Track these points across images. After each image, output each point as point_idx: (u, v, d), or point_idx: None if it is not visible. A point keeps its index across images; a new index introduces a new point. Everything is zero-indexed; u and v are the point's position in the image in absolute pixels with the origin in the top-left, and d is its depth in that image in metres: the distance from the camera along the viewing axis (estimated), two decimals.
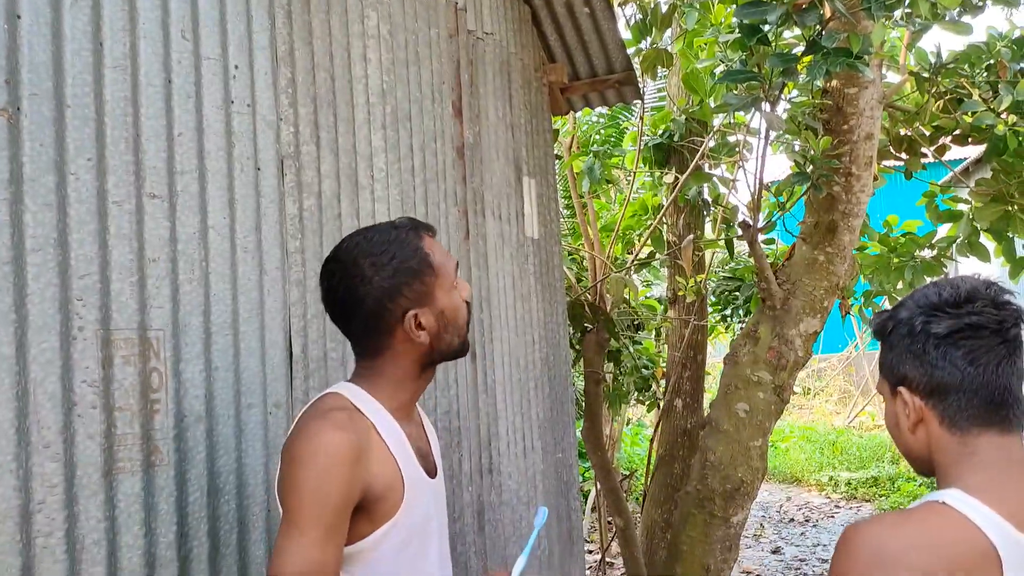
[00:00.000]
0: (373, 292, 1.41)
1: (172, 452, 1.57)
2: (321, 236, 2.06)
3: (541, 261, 3.51)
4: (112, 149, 1.50)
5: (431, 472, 1.52)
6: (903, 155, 4.00)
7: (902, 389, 1.19)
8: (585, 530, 6.90)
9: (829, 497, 8.24)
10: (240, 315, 1.77)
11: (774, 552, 6.36)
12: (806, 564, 5.99)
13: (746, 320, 5.72)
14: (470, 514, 2.65)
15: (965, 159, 7.48)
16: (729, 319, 6.10)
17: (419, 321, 1.43)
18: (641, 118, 4.68)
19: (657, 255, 4.80)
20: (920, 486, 7.49)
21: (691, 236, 4.46)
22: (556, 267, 3.69)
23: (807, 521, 7.36)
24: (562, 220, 6.74)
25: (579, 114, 5.16)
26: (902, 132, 3.96)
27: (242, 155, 1.81)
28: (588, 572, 5.43)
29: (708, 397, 7.23)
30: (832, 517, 7.47)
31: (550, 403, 3.45)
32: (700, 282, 4.67)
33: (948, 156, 4.57)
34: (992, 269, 8.41)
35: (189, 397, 1.62)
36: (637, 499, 6.73)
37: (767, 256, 3.91)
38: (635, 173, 4.89)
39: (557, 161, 4.76)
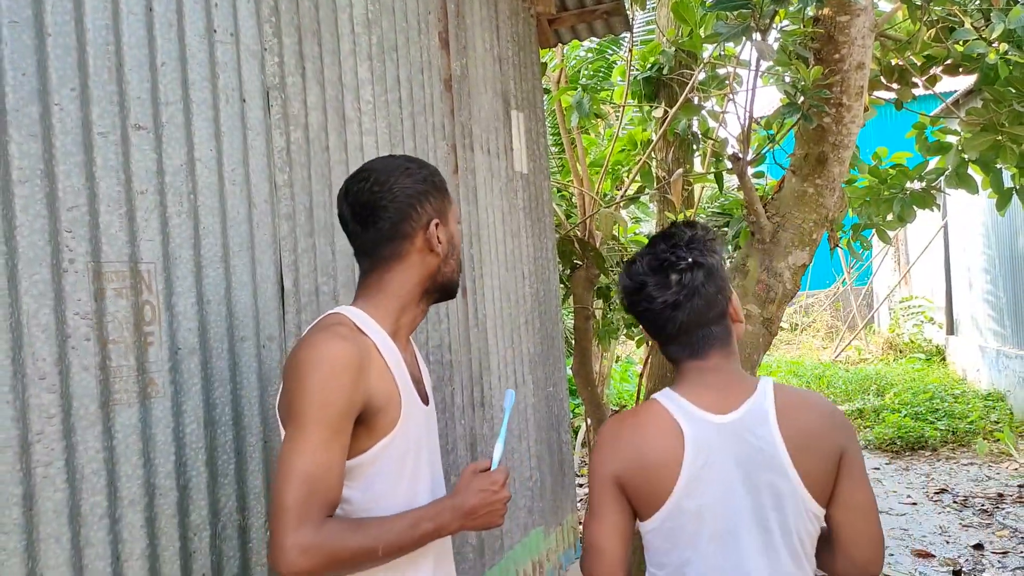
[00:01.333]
0: (405, 192, 1.47)
1: (167, 384, 1.58)
2: (309, 169, 2.04)
3: (530, 196, 3.49)
4: (95, 79, 1.47)
5: (424, 399, 1.55)
6: (894, 85, 3.96)
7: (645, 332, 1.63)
8: (576, 464, 7.03)
9: None
10: (231, 248, 1.77)
11: None
12: None
13: (735, 255, 5.74)
14: (463, 446, 2.69)
15: (955, 91, 7.43)
16: None
17: (438, 235, 1.50)
18: (630, 50, 4.61)
19: (647, 190, 4.79)
20: (904, 417, 7.64)
21: (680, 170, 4.44)
22: (545, 202, 3.68)
23: None
24: (550, 156, 6.69)
25: (567, 48, 5.08)
26: (893, 62, 3.91)
27: (227, 86, 1.78)
28: (579, 504, 5.55)
29: None
30: None
31: (540, 338, 3.48)
32: (689, 218, 4.67)
33: (938, 88, 4.54)
34: (979, 201, 8.40)
35: (182, 330, 1.63)
36: None
37: (756, 190, 3.90)
38: (624, 108, 4.84)
39: (545, 96, 4.69)
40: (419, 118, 2.59)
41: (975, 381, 9.26)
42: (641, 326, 1.59)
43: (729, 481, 1.44)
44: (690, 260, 1.47)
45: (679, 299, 1.47)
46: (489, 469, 1.48)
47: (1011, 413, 7.81)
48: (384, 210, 1.48)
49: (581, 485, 6.31)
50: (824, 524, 1.49)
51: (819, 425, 1.47)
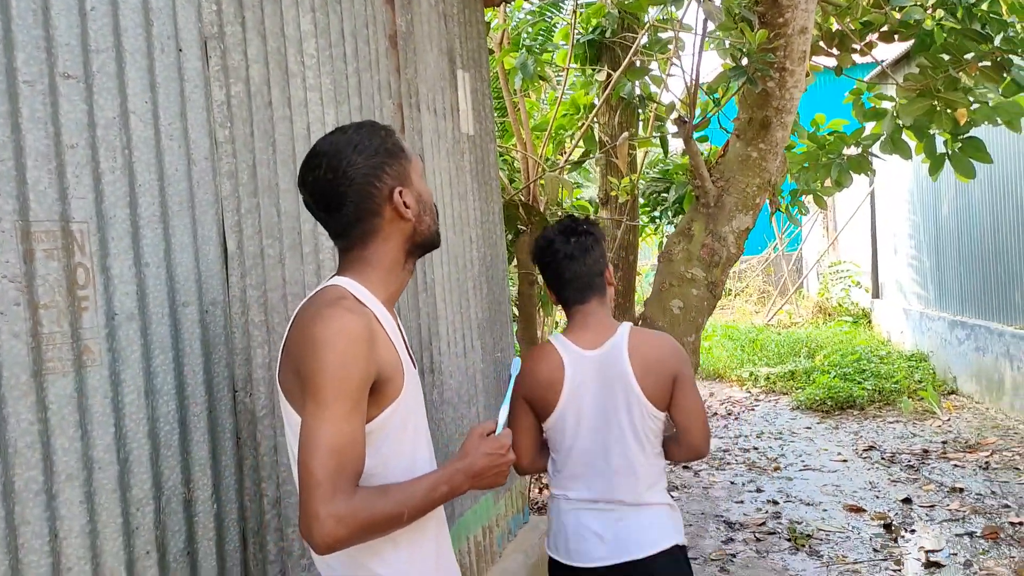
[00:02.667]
0: (360, 173, 1.44)
1: (104, 351, 1.49)
2: (251, 125, 1.94)
3: (477, 159, 3.43)
4: (19, 23, 1.35)
5: (412, 361, 1.56)
6: (834, 50, 4.01)
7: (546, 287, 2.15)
8: None
9: (750, 391, 8.62)
10: (169, 208, 1.66)
11: None
12: (729, 454, 6.29)
13: (675, 222, 5.78)
14: None
15: (887, 60, 7.60)
16: (658, 220, 6.16)
17: (404, 200, 1.47)
18: (574, 12, 4.54)
19: (591, 154, 4.76)
20: (834, 378, 7.89)
21: (626, 134, 4.42)
22: (491, 165, 3.62)
23: (729, 414, 7.70)
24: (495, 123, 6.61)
25: (510, 7, 4.98)
26: (833, 27, 3.95)
27: (162, 34, 1.67)
28: None
29: (638, 299, 7.35)
30: (752, 410, 7.83)
31: (488, 303, 3.43)
32: (633, 182, 4.67)
33: (874, 55, 4.61)
34: (905, 168, 8.63)
35: (119, 294, 1.53)
36: None
37: (701, 155, 3.92)
38: (567, 71, 4.78)
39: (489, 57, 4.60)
40: (364, 75, 2.49)
41: (899, 343, 9.62)
42: (544, 279, 2.18)
43: (595, 394, 2.07)
44: (584, 228, 2.14)
45: (574, 253, 2.11)
46: (494, 432, 1.51)
47: (933, 373, 8.15)
48: (344, 196, 1.46)
49: None
50: (671, 424, 2.12)
51: (658, 356, 2.07)
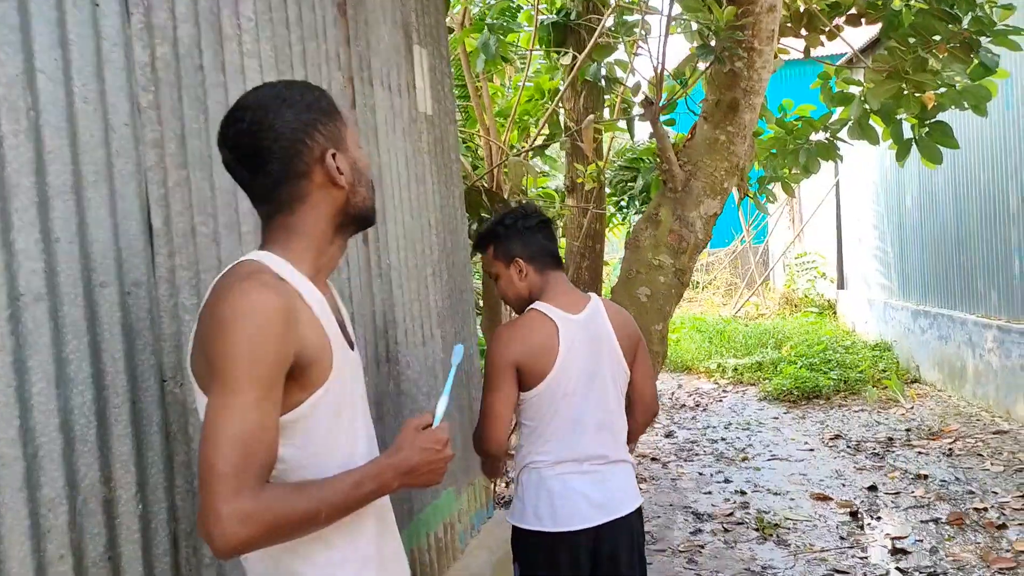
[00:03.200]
0: (289, 127, 1.31)
1: (7, 336, 1.32)
2: (179, 90, 1.77)
3: (435, 139, 3.28)
4: None
5: (350, 344, 1.42)
6: (802, 31, 3.92)
7: (517, 259, 2.24)
8: None
9: (717, 383, 8.59)
10: (84, 177, 1.50)
11: (667, 436, 6.58)
12: (697, 445, 6.22)
13: (643, 210, 5.69)
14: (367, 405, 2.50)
15: (854, 45, 7.57)
16: (625, 209, 6.07)
17: (338, 164, 1.34)
18: None
19: (556, 138, 4.64)
20: (800, 368, 7.88)
21: (591, 116, 4.31)
22: (451, 147, 3.47)
23: (697, 406, 7.65)
24: (456, 104, 6.45)
25: None
26: (801, 8, 3.87)
27: None
28: None
29: (606, 287, 7.26)
30: (720, 401, 7.79)
31: (448, 291, 3.29)
32: (600, 169, 4.55)
33: (841, 40, 4.54)
34: (870, 159, 8.63)
35: (24, 272, 1.36)
36: None
37: (668, 138, 3.81)
38: (530, 54, 4.65)
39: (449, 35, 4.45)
40: (310, 43, 2.33)
41: (864, 333, 9.66)
42: (517, 248, 2.25)
43: (586, 354, 2.18)
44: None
45: (544, 220, 2.30)
46: (431, 425, 1.38)
47: (897, 362, 8.18)
48: (269, 152, 1.31)
49: None
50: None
51: (626, 320, 2.31)
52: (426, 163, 3.15)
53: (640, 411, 2.35)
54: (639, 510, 2.25)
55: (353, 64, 2.60)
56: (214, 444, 1.14)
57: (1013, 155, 5.99)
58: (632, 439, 2.35)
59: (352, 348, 1.42)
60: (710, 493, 5.04)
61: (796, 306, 11.93)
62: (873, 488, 4.82)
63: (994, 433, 5.69)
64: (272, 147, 1.30)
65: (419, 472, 1.31)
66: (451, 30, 4.56)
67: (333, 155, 1.34)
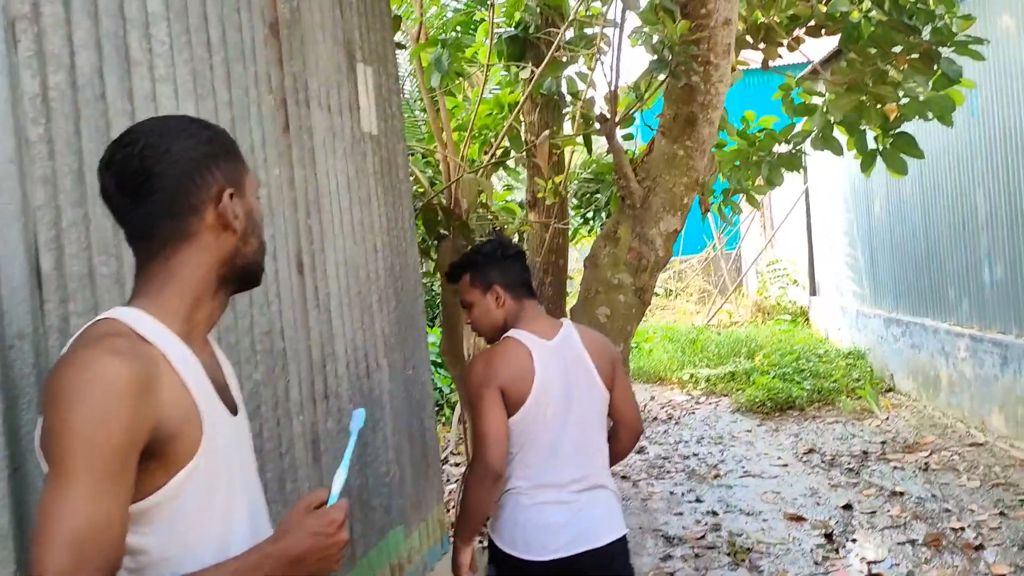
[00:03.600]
0: (187, 156, 1.19)
1: None
2: (77, 122, 1.64)
3: (382, 160, 3.15)
4: None
5: (232, 408, 1.27)
6: (760, 44, 3.84)
7: (495, 286, 2.27)
8: (453, 443, 6.78)
9: (690, 394, 8.50)
10: None
11: (638, 452, 6.46)
12: (669, 461, 6.12)
13: (606, 223, 5.58)
14: (302, 446, 2.36)
15: (809, 63, 7.54)
16: (591, 221, 5.97)
17: (234, 207, 1.22)
18: (492, 5, 4.30)
19: (513, 154, 4.52)
20: (773, 378, 7.81)
21: (547, 132, 4.19)
22: (400, 167, 3.34)
23: (670, 419, 7.55)
24: (414, 122, 6.32)
25: (432, 8, 4.71)
26: (759, 20, 3.79)
27: None
28: (456, 485, 5.31)
29: (571, 303, 7.15)
30: (693, 413, 7.69)
31: (397, 317, 3.16)
32: (560, 183, 4.44)
33: (801, 52, 4.47)
34: (839, 165, 8.58)
35: None
36: None
37: (626, 153, 3.71)
38: (488, 67, 4.54)
39: (402, 51, 4.33)
40: (236, 65, 2.20)
41: (837, 340, 9.62)
42: (500, 276, 2.28)
43: (561, 378, 2.20)
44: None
45: (520, 251, 2.38)
46: (326, 504, 1.19)
47: (871, 370, 8.13)
48: (160, 177, 1.17)
49: (458, 464, 6.08)
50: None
51: (603, 342, 2.35)
52: (371, 185, 3.02)
53: (624, 432, 2.37)
54: (623, 539, 2.24)
55: (286, 85, 2.46)
56: (44, 543, 0.98)
57: (980, 162, 5.97)
58: (616, 460, 2.38)
59: (235, 413, 1.27)
60: (681, 514, 4.93)
61: (768, 313, 11.89)
62: (848, 507, 4.73)
63: (969, 445, 5.64)
64: (165, 172, 1.17)
65: (308, 560, 1.13)
66: (403, 46, 4.44)
67: (231, 195, 1.22)
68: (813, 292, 10.98)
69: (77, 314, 1.59)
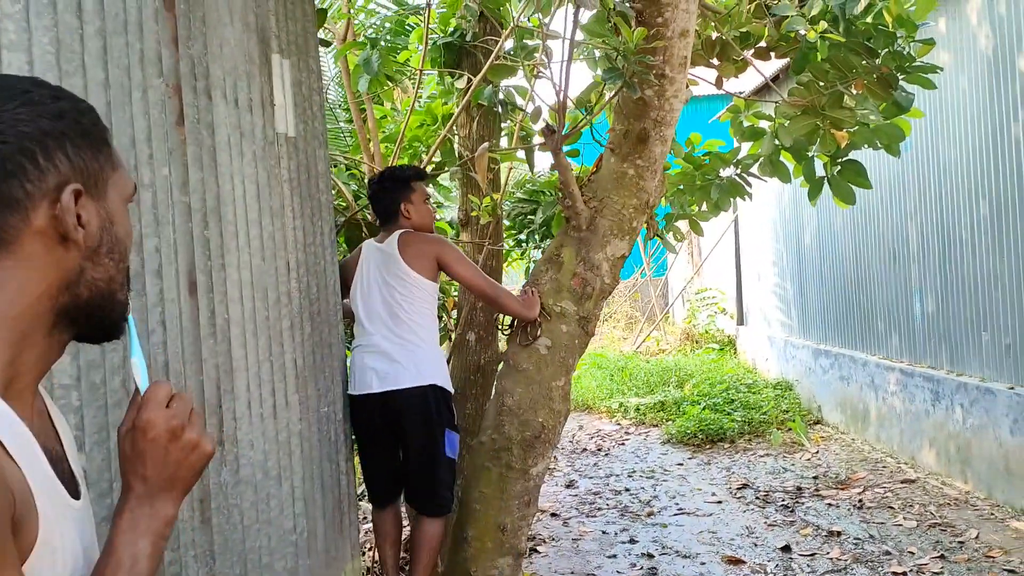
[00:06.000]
0: (15, 128, 0.82)
1: None
2: None
3: (299, 166, 2.77)
4: None
5: (72, 490, 0.89)
6: (714, 60, 3.62)
7: None
8: None
9: (619, 423, 8.26)
10: None
11: (568, 486, 6.16)
12: (600, 497, 5.82)
13: (543, 246, 5.29)
14: (187, 505, 1.94)
15: (764, 82, 7.47)
16: (525, 244, 5.67)
17: (80, 212, 0.85)
18: (428, 5, 3.97)
19: (447, 167, 4.19)
20: (704, 409, 7.64)
21: (486, 144, 3.87)
22: (321, 175, 2.96)
23: (599, 450, 7.28)
24: (338, 131, 5.92)
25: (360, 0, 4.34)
26: (714, 35, 3.57)
27: None
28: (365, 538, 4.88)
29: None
30: (623, 444, 7.45)
31: (312, 345, 2.77)
32: (496, 202, 4.12)
33: (749, 73, 4.29)
34: (769, 195, 8.55)
35: None
36: None
37: (572, 170, 3.42)
38: (421, 74, 4.20)
39: (326, 50, 3.96)
40: (116, 39, 1.80)
41: (764, 370, 9.57)
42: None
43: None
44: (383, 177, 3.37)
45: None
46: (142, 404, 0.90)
47: (799, 401, 8.06)
48: None
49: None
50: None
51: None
52: (285, 194, 2.63)
53: None
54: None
55: (182, 69, 2.07)
56: None
57: (912, 195, 5.94)
58: None
59: (77, 496, 0.89)
60: (615, 557, 4.62)
61: (697, 342, 11.83)
62: (787, 548, 4.51)
63: (902, 482, 5.53)
64: None
65: (181, 467, 0.89)
66: (328, 43, 4.07)
67: (76, 194, 0.84)
68: (741, 321, 10.96)
69: None
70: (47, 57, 1.59)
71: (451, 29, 4.46)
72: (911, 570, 4.09)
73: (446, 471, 3.18)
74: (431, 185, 5.29)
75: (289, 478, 2.49)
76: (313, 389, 2.75)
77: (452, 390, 3.29)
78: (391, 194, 3.28)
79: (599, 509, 5.56)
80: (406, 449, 3.19)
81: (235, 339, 2.23)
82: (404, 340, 3.12)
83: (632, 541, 4.86)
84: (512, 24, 4.00)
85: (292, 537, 2.47)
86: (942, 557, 4.23)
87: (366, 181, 3.56)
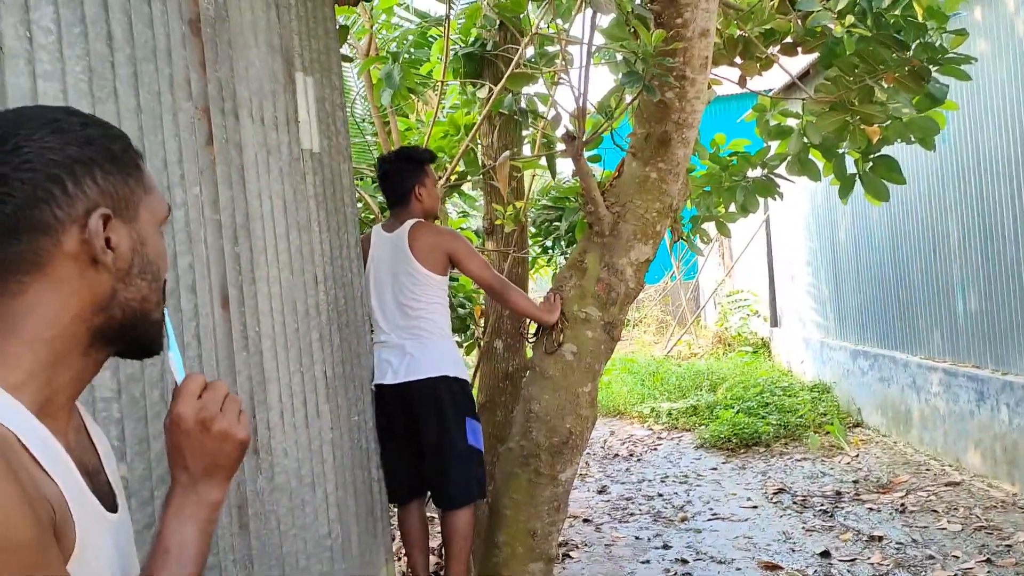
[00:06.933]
0: (45, 156, 0.85)
1: None
2: None
3: (324, 180, 2.82)
4: None
5: (108, 503, 0.92)
6: (738, 59, 3.61)
7: None
8: None
9: (651, 428, 8.23)
10: None
11: (600, 492, 6.15)
12: (632, 503, 5.80)
13: (569, 251, 5.30)
14: (225, 511, 1.99)
15: (791, 80, 7.42)
16: (551, 251, 5.68)
17: (109, 236, 0.88)
18: (447, 17, 4.02)
19: (469, 177, 4.22)
20: (738, 413, 7.58)
21: (507, 152, 3.91)
22: (346, 189, 3.01)
23: (631, 455, 7.25)
24: (365, 144, 5.99)
25: (377, 12, 4.41)
26: (737, 33, 3.56)
27: None
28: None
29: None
30: (655, 449, 7.41)
31: (342, 356, 2.81)
32: (519, 209, 4.15)
33: (775, 71, 4.28)
34: (801, 193, 8.45)
35: None
36: None
37: (593, 177, 3.44)
38: (443, 85, 4.25)
39: (349, 66, 4.02)
40: (146, 65, 1.86)
41: (800, 373, 9.46)
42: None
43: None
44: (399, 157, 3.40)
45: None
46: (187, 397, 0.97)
47: (837, 404, 7.95)
48: (4, 182, 0.84)
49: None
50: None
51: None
52: (311, 208, 2.68)
53: None
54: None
55: (210, 92, 2.13)
56: None
57: (951, 189, 5.84)
58: None
59: (114, 509, 0.93)
60: (648, 562, 4.60)
61: (729, 344, 11.73)
62: (826, 554, 4.46)
63: (946, 485, 5.43)
64: (11, 176, 0.84)
65: (220, 455, 0.95)
66: (350, 59, 4.13)
67: (105, 218, 0.87)
68: (775, 323, 10.86)
69: None
70: (80, 85, 1.65)
71: (471, 39, 4.50)
72: (956, 574, 4.02)
73: (466, 460, 3.14)
74: (456, 195, 5.34)
75: (323, 485, 2.53)
76: (343, 399, 2.79)
77: (467, 378, 3.29)
78: (406, 175, 3.26)
79: (632, 514, 5.54)
80: (422, 441, 3.17)
81: (266, 351, 2.28)
82: (416, 334, 3.13)
83: (665, 546, 4.84)
84: (531, 32, 4.04)
85: (327, 542, 2.51)
86: (988, 561, 4.15)
87: (377, 160, 3.48)
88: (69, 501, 0.82)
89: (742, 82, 3.78)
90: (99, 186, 0.88)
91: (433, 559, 4.05)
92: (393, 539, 3.48)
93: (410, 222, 3.17)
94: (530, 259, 5.16)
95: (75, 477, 0.86)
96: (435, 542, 4.16)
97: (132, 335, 0.93)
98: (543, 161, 4.13)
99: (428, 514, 3.59)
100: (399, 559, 4.18)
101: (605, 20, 3.54)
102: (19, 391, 0.83)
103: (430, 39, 5.22)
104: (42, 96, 1.56)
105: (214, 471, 0.95)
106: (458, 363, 3.25)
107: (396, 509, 3.40)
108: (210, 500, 0.96)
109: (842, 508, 5.22)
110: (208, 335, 2.01)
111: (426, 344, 3.15)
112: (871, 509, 5.15)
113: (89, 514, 0.86)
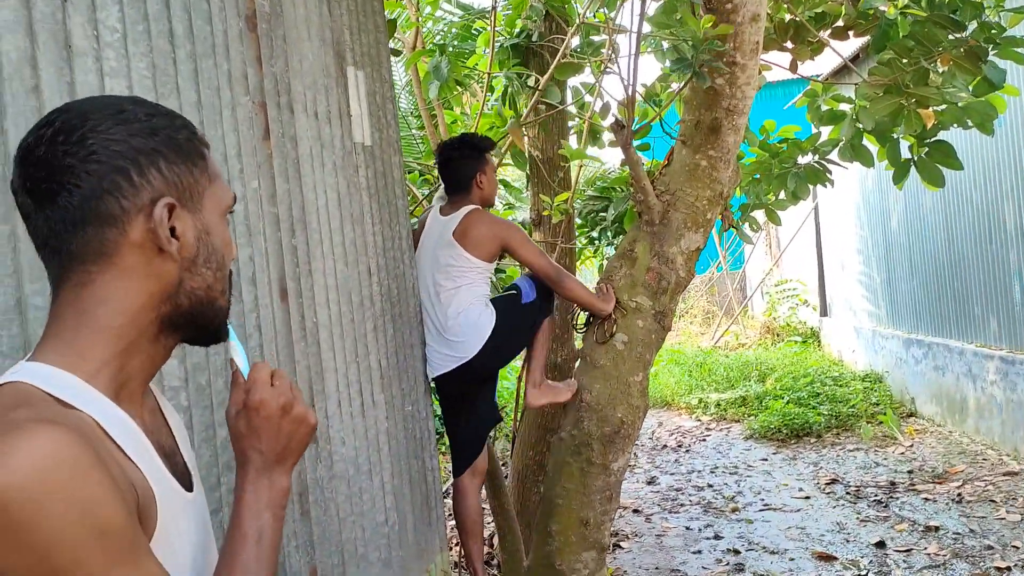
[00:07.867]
0: (110, 147, 0.86)
1: None
2: (2, 119, 1.34)
3: (376, 173, 2.85)
4: None
5: (185, 483, 0.95)
6: (788, 44, 3.56)
7: None
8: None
9: (700, 420, 8.17)
10: None
11: (649, 483, 6.13)
12: (682, 494, 5.78)
13: (616, 243, 5.28)
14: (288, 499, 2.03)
15: (843, 63, 7.28)
16: (597, 241, 5.66)
17: (174, 225, 0.89)
18: (493, 10, 4.02)
19: (520, 165, 4.23)
20: (787, 403, 7.48)
21: (514, 119, 3.92)
22: (397, 182, 3.04)
23: (680, 447, 7.21)
24: (411, 138, 6.04)
25: (428, 7, 4.43)
26: (787, 18, 3.51)
27: None
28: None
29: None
30: (704, 440, 7.36)
31: (395, 347, 2.85)
32: (566, 200, 4.15)
33: (816, 68, 4.20)
34: (851, 181, 8.30)
35: None
36: (508, 437, 6.32)
37: (643, 165, 3.42)
38: (489, 77, 4.26)
39: (396, 58, 4.05)
40: (205, 61, 1.90)
41: (851, 362, 9.30)
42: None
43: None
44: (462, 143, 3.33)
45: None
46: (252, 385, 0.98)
47: (890, 394, 7.81)
48: (71, 172, 0.85)
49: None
50: None
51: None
52: (364, 201, 2.72)
53: None
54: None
55: (266, 87, 2.17)
56: None
57: (1009, 173, 5.68)
58: None
59: (190, 488, 0.96)
60: (699, 552, 4.58)
61: (778, 335, 11.57)
62: (881, 544, 4.39)
63: (1004, 475, 5.30)
64: (77, 166, 0.85)
65: (292, 441, 0.97)
66: (398, 53, 4.16)
67: (170, 208, 0.89)
68: (824, 312, 10.68)
69: (2, 354, 1.29)
70: (144, 82, 1.70)
71: (517, 30, 4.50)
72: (1016, 564, 3.93)
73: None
74: (502, 186, 5.35)
75: (379, 473, 2.57)
76: (397, 389, 2.83)
77: (494, 320, 3.15)
78: (467, 162, 3.24)
79: (681, 505, 5.52)
80: (465, 411, 3.26)
81: (323, 342, 2.32)
82: (452, 316, 3.10)
83: (717, 537, 4.81)
84: (578, 21, 4.02)
85: (384, 529, 2.55)
86: None
87: (436, 146, 3.48)
88: (151, 483, 0.85)
89: (793, 67, 3.72)
90: (164, 176, 0.89)
91: (486, 548, 4.08)
92: (445, 526, 3.52)
93: (466, 208, 3.15)
94: (577, 250, 5.15)
95: (154, 459, 0.89)
96: (487, 532, 4.19)
97: (199, 322, 0.94)
98: (591, 151, 4.12)
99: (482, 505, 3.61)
100: (452, 548, 4.23)
101: (653, 7, 3.52)
102: (95, 379, 0.86)
103: (475, 31, 5.23)
104: (110, 91, 1.60)
105: (286, 455, 0.97)
106: (489, 322, 3.12)
107: (449, 499, 3.44)
108: (281, 486, 0.97)
109: (897, 498, 5.13)
110: (268, 326, 2.05)
111: (463, 324, 3.11)
112: (927, 499, 5.05)
113: (169, 494, 0.88)
